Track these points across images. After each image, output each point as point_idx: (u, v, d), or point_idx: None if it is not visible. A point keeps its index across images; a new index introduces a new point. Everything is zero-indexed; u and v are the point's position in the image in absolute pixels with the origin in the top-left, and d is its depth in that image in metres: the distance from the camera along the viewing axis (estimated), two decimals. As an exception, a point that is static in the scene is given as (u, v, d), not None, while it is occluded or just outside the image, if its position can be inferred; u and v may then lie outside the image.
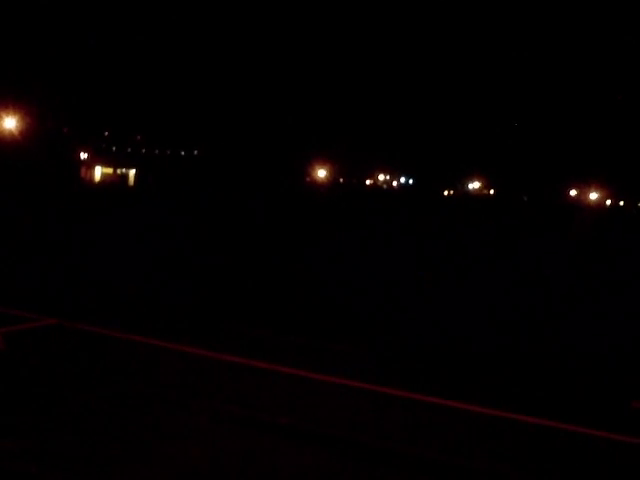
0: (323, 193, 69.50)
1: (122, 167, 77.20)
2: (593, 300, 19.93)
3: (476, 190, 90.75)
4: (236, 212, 43.01)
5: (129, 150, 77.98)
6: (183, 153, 79.78)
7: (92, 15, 64.71)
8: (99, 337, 11.03)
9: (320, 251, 26.54)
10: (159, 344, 10.84)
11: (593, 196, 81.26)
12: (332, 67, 70.51)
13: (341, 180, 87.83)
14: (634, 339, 14.60)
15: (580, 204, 79.56)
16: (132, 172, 77.54)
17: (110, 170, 76.53)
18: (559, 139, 74.32)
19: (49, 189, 45.86)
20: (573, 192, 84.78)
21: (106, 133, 76.10)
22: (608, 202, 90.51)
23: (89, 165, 74.11)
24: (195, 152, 79.46)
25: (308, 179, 78.52)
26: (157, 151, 79.83)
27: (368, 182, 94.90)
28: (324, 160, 77.75)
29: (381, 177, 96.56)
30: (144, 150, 79.11)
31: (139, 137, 78.43)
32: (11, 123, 56.22)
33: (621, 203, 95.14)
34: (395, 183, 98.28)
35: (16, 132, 56.29)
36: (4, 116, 55.75)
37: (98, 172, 75.52)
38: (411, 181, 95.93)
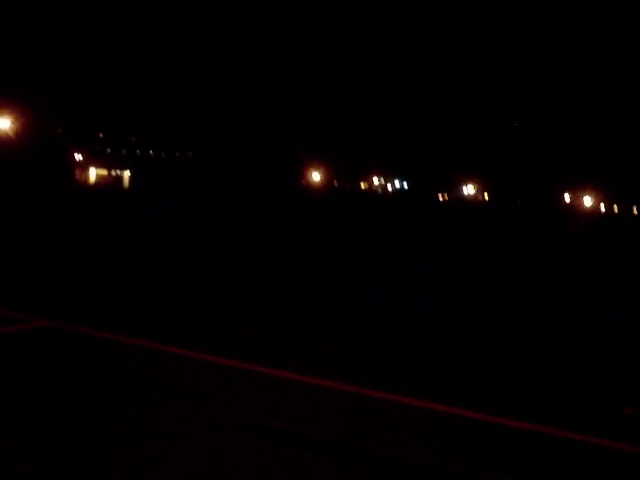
0: (318, 196, 69.47)
1: (117, 169, 77.17)
2: (587, 303, 19.92)
3: (471, 195, 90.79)
4: (232, 214, 42.97)
5: (124, 152, 77.93)
6: (178, 155, 79.74)
7: (88, 16, 64.60)
8: (92, 339, 10.99)
9: (316, 253, 26.51)
10: (153, 346, 10.81)
11: (587, 201, 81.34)
12: (327, 70, 70.52)
13: (335, 184, 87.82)
14: (627, 344, 14.59)
15: (574, 209, 79.64)
16: (127, 173, 77.51)
17: (105, 172, 76.50)
18: (554, 143, 74.43)
19: (44, 190, 45.78)
20: (567, 197, 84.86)
21: (101, 135, 76.04)
22: (602, 207, 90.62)
23: (84, 167, 74.06)
24: (190, 154, 79.43)
25: (303, 182, 78.49)
26: (152, 153, 79.81)
27: (363, 185, 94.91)
28: (318, 164, 77.75)
29: (376, 181, 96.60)
30: (139, 152, 79.07)
31: (134, 139, 78.38)
32: (5, 124, 56.13)
33: (615, 209, 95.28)
34: (390, 187, 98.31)
35: (11, 133, 56.21)
36: (-1, 117, 55.71)
37: (93, 174, 75.47)
38: (406, 185, 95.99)
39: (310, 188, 75.71)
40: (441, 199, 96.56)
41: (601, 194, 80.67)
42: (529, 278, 25.48)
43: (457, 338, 13.95)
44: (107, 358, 10.06)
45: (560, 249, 40.98)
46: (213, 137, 74.14)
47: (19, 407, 7.91)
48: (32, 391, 8.45)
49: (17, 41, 57.16)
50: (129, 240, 25.22)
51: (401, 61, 70.40)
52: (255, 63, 68.53)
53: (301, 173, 77.41)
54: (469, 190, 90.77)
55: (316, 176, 79.52)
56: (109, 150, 77.16)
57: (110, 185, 72.18)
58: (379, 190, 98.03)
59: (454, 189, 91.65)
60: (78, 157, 72.71)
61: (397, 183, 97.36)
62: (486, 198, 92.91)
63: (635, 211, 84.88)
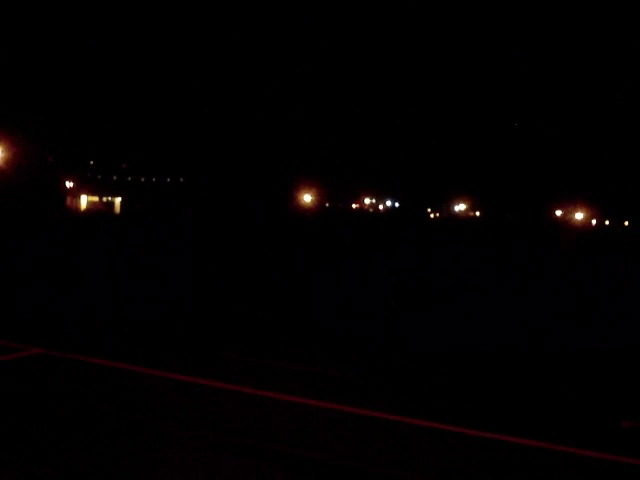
0: (310, 217, 69.59)
1: (108, 195, 77.21)
2: (583, 315, 19.99)
3: (462, 212, 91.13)
4: (224, 239, 43.01)
5: (115, 178, 78.00)
6: (169, 180, 79.84)
7: (78, 42, 64.81)
8: (86, 365, 10.97)
9: (309, 275, 26.54)
10: (147, 372, 10.80)
11: (579, 216, 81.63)
12: (317, 91, 70.82)
13: (327, 204, 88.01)
14: (623, 357, 14.64)
15: (565, 223, 79.95)
16: (118, 200, 77.53)
17: (96, 198, 76.55)
18: (544, 158, 74.77)
19: (35, 217, 45.77)
20: (558, 212, 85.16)
21: (91, 162, 76.14)
22: (594, 222, 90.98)
23: (75, 194, 74.06)
24: (181, 179, 79.53)
25: (294, 203, 78.63)
26: (143, 179, 79.90)
27: (354, 206, 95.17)
28: (309, 184, 77.95)
29: (367, 200, 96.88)
30: (130, 178, 79.17)
31: (124, 165, 78.48)
32: (-4, 153, 56.19)
33: (607, 222, 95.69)
34: (381, 206, 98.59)
35: (1, 162, 56.25)
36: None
37: (84, 200, 75.47)
38: (397, 204, 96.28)
39: (302, 209, 75.83)
40: (432, 216, 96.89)
41: (592, 209, 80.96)
42: (522, 288, 25.58)
43: (449, 351, 13.98)
44: (102, 384, 10.05)
45: (551, 260, 41.12)
46: (204, 162, 74.27)
47: (13, 432, 7.89)
48: (27, 417, 8.43)
49: (7, 69, 57.30)
50: (121, 265, 25.22)
51: (393, 80, 70.74)
52: (247, 86, 68.80)
53: (292, 194, 77.54)
54: (460, 207, 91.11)
55: (307, 197, 79.71)
56: (100, 177, 77.23)
57: (102, 211, 72.14)
58: (370, 209, 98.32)
59: (445, 207, 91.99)
60: (69, 184, 72.73)
61: (388, 202, 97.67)
62: (477, 215, 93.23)
63: (626, 224, 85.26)
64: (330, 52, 72.11)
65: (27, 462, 7.14)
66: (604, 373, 13.17)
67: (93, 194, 76.19)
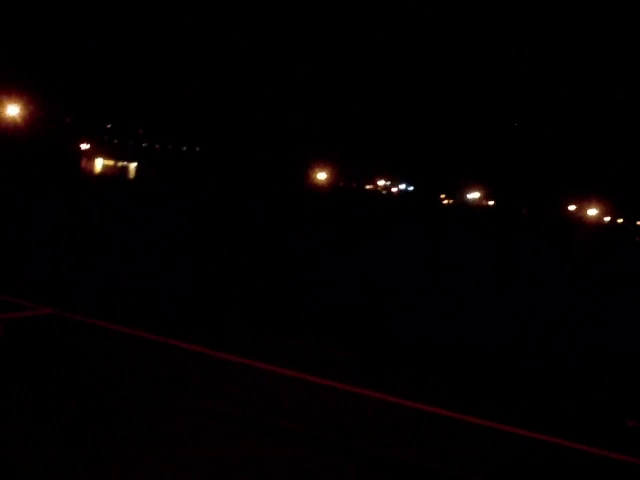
0: (323, 196, 69.53)
1: (123, 160, 77.24)
2: (589, 313, 19.96)
3: (475, 200, 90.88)
4: (236, 210, 43.02)
5: (131, 143, 77.99)
6: (185, 149, 79.79)
7: (98, 6, 64.65)
8: (93, 328, 11.00)
9: (318, 251, 26.55)
10: (156, 338, 10.82)
11: (592, 212, 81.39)
12: (334, 71, 70.52)
13: (341, 184, 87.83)
14: (629, 357, 14.62)
15: (579, 219, 79.78)
16: (133, 165, 77.58)
17: (111, 162, 76.59)
18: (561, 153, 74.44)
19: (48, 177, 45.80)
20: (572, 207, 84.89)
21: (109, 126, 76.11)
22: (607, 219, 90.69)
23: (90, 156, 74.09)
24: (197, 149, 79.47)
25: (308, 182, 78.53)
26: (158, 146, 79.89)
27: (368, 187, 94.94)
28: (324, 163, 77.80)
29: (381, 182, 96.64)
30: (145, 144, 79.15)
31: (141, 131, 78.45)
32: (14, 110, 56.19)
33: (620, 220, 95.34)
34: (395, 189, 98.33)
35: (19, 119, 56.27)
36: (7, 103, 55.76)
37: (99, 164, 75.52)
38: (411, 188, 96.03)
39: (315, 187, 75.75)
40: (445, 203, 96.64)
41: (605, 205, 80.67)
42: (530, 282, 25.55)
43: (455, 338, 13.99)
44: (107, 347, 10.06)
45: (561, 254, 41.04)
46: (221, 133, 74.18)
47: (19, 393, 7.91)
48: (32, 377, 8.45)
49: (29, 29, 57.21)
50: (134, 232, 25.25)
51: (410, 66, 70.36)
52: (264, 61, 68.55)
53: (307, 172, 77.42)
54: (474, 196, 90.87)
55: (321, 175, 79.57)
56: (116, 141, 77.22)
57: (116, 175, 72.21)
58: (384, 192, 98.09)
59: (459, 194, 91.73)
60: (85, 146, 72.76)
61: (402, 186, 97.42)
62: (490, 204, 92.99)
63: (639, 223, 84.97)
64: (347, 29, 71.72)
65: (29, 422, 7.15)
66: (610, 372, 13.17)
67: (109, 158, 76.22)
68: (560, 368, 12.94)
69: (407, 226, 49.29)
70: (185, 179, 65.74)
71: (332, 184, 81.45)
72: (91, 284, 14.60)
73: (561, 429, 9.14)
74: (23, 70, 55.40)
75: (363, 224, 45.90)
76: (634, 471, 8.11)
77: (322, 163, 77.71)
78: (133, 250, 20.80)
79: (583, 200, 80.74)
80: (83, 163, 72.29)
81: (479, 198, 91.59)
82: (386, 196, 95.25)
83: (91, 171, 73.04)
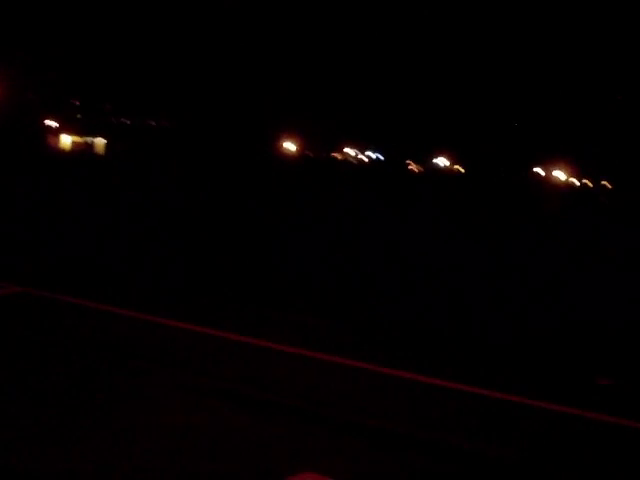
0: (293, 166, 69.35)
1: (91, 136, 76.49)
2: (563, 277, 20.11)
3: (447, 167, 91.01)
4: (206, 184, 42.83)
5: (98, 119, 77.26)
6: (153, 124, 79.22)
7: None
8: (66, 305, 10.99)
9: (298, 227, 26.51)
10: (128, 314, 10.83)
11: (558, 174, 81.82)
12: (299, 41, 70.18)
13: (310, 154, 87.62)
14: (601, 316, 14.77)
15: (547, 182, 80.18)
16: (101, 141, 76.85)
17: (79, 139, 75.81)
18: (527, 116, 74.77)
19: (12, 153, 45.28)
20: (539, 170, 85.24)
21: (76, 102, 75.33)
22: (576, 181, 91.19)
23: (56, 133, 73.32)
24: (165, 123, 78.91)
25: (277, 152, 78.24)
26: (128, 121, 79.23)
27: (337, 156, 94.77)
28: (293, 133, 77.61)
29: (351, 151, 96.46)
30: (114, 119, 78.47)
31: (109, 107, 77.72)
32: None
33: (585, 181, 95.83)
34: (364, 157, 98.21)
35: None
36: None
37: (67, 140, 74.74)
38: (381, 156, 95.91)
39: (284, 157, 75.56)
40: (415, 170, 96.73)
41: (574, 168, 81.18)
42: (501, 251, 25.67)
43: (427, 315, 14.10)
44: (81, 325, 10.06)
45: (535, 222, 41.25)
46: (188, 106, 73.72)
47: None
48: (3, 355, 8.46)
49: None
50: (103, 209, 25.12)
51: (376, 34, 70.13)
52: (229, 34, 68.04)
53: (275, 142, 77.21)
54: (444, 162, 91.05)
55: (290, 146, 79.37)
56: (83, 117, 76.44)
57: (84, 151, 71.49)
58: (353, 161, 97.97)
59: (429, 161, 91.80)
60: (51, 123, 71.98)
61: (371, 154, 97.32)
62: (461, 170, 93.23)
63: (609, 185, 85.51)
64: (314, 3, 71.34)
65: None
66: (582, 336, 13.30)
67: (76, 134, 75.44)
68: (531, 335, 13.06)
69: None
70: (155, 154, 65.23)
71: (301, 154, 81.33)
72: (63, 262, 14.54)
73: (532, 389, 9.25)
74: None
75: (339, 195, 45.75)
76: (605, 429, 8.23)
77: (290, 133, 77.55)
78: (105, 227, 20.72)
79: (548, 162, 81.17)
80: (50, 140, 71.49)
81: (449, 165, 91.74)
82: (356, 165, 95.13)
83: (58, 147, 72.28)
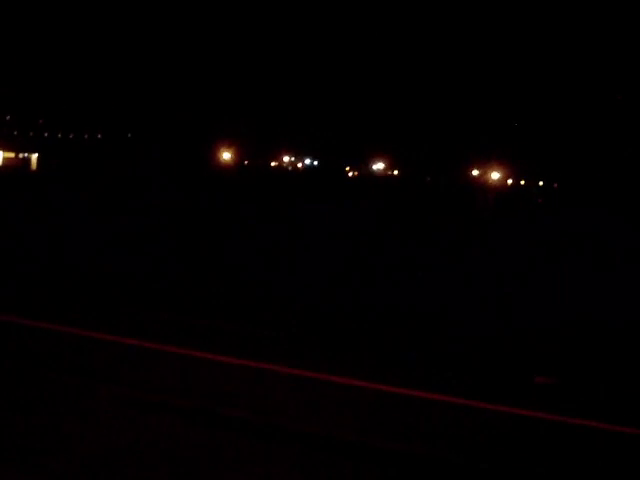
0: (230, 175, 69.22)
1: (24, 151, 75.31)
2: (503, 279, 20.46)
3: (380, 171, 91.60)
4: (141, 194, 42.63)
5: (31, 134, 76.11)
6: (87, 137, 78.33)
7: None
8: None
9: (236, 237, 26.60)
10: (65, 330, 10.86)
11: (495, 176, 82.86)
12: (236, 50, 70.11)
13: (246, 162, 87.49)
14: (539, 318, 15.16)
15: (482, 184, 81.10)
16: (35, 156, 75.77)
17: (12, 154, 74.59)
18: (461, 118, 75.58)
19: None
20: (475, 172, 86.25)
21: (7, 117, 74.15)
22: (510, 181, 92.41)
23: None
24: (99, 135, 78.11)
25: (213, 162, 77.94)
26: (60, 135, 78.18)
27: (273, 164, 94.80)
28: (228, 142, 77.46)
29: (286, 159, 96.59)
30: (46, 134, 77.37)
31: (41, 121, 76.66)
32: None
33: (522, 182, 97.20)
34: (300, 165, 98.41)
35: None
36: None
37: (-1, 156, 73.55)
38: (316, 162, 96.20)
39: (221, 167, 75.35)
40: (350, 175, 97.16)
41: (507, 168, 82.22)
42: (440, 249, 26.09)
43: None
44: (17, 343, 10.13)
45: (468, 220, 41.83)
46: (123, 117, 73.08)
47: None
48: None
49: None
50: (41, 221, 24.98)
51: (308, 39, 70.34)
52: (167, 45, 67.70)
53: (212, 152, 76.93)
54: (379, 167, 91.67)
55: (226, 155, 79.22)
56: (16, 133, 75.24)
57: (18, 168, 70.36)
58: (289, 167, 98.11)
59: (363, 166, 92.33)
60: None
61: (307, 161, 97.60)
62: (395, 174, 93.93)
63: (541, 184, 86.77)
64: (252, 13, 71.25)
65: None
66: (520, 334, 13.67)
67: (9, 150, 74.23)
68: (472, 329, 13.39)
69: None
70: (88, 167, 64.48)
71: (237, 163, 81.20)
72: None
73: (472, 390, 9.52)
74: None
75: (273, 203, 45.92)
76: (543, 426, 8.53)
77: (226, 142, 77.37)
78: (43, 238, 20.64)
79: (485, 165, 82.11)
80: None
81: (384, 169, 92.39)
82: (291, 172, 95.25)
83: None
